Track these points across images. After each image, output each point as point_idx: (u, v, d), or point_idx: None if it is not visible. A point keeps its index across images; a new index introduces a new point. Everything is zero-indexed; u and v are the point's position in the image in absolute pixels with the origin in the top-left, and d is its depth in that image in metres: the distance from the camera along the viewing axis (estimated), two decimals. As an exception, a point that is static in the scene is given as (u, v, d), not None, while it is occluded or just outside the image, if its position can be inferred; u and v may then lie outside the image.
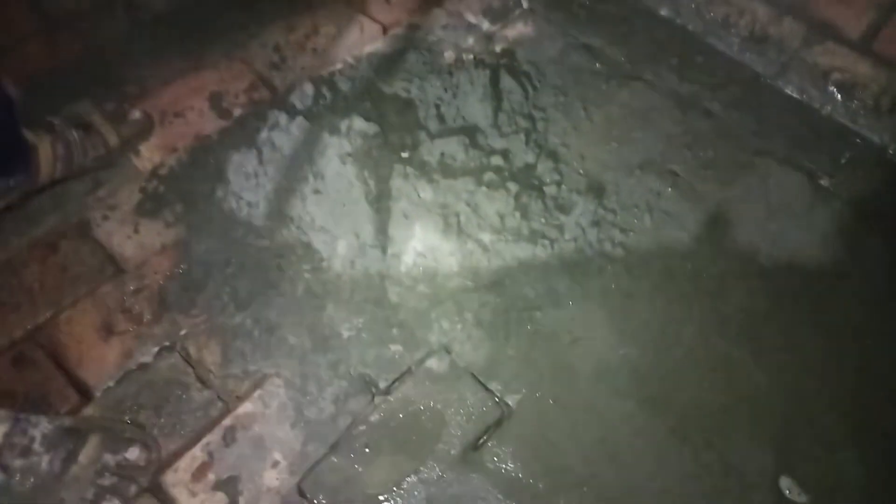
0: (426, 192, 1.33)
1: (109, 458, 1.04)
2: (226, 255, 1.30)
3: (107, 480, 1.03)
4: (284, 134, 1.39)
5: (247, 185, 1.35)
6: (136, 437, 1.08)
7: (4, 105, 1.15)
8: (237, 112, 1.49)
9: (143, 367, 1.19)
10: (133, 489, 1.05)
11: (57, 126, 1.31)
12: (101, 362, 1.18)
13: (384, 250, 1.29)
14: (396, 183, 1.34)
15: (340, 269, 1.27)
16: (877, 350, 1.29)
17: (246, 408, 1.16)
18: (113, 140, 1.37)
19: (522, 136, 1.47)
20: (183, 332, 1.23)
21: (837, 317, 1.34)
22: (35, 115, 1.30)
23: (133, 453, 1.06)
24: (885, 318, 1.33)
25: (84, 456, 1.02)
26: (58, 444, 1.00)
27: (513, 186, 1.37)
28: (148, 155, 1.43)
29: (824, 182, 1.53)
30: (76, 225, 1.33)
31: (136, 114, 1.43)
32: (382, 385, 1.20)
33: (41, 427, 1.00)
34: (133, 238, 1.32)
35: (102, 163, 1.38)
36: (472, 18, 1.72)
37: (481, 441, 1.17)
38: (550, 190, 1.42)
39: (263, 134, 1.41)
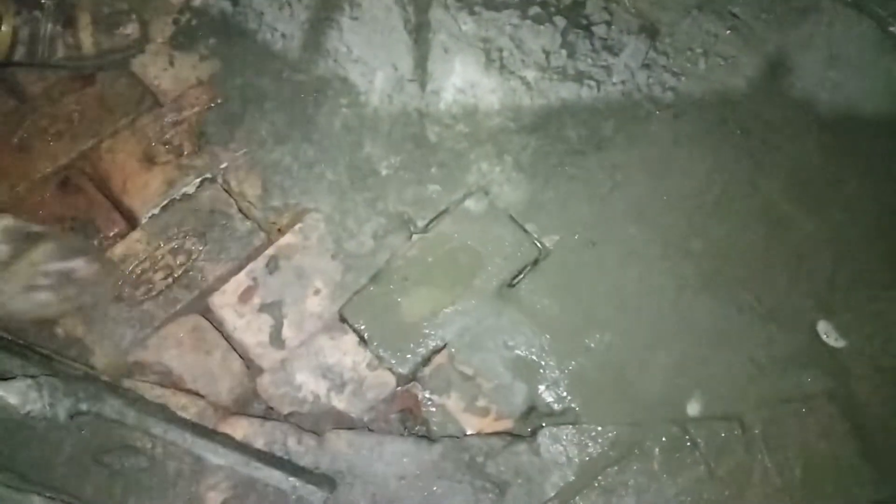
0: (467, 24, 1.26)
1: (55, 265, 1.07)
2: (262, 88, 1.27)
3: (45, 280, 1.06)
4: (319, -38, 1.32)
5: (280, 15, 1.30)
6: (84, 251, 1.11)
7: None
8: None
9: (185, 196, 1.21)
10: (72, 292, 1.08)
11: (39, 9, 1.19)
12: (144, 190, 1.20)
13: (423, 86, 1.25)
14: (436, 14, 1.27)
15: (378, 103, 1.24)
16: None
17: (287, 239, 1.19)
18: (87, 48, 1.24)
19: (572, -29, 1.37)
20: (223, 165, 1.23)
21: (890, 170, 1.28)
22: None
23: (78, 264, 1.09)
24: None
25: (35, 255, 1.05)
26: (10, 241, 1.03)
27: (560, 21, 1.29)
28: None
29: (894, 29, 1.42)
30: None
31: (129, 28, 1.28)
32: (420, 223, 1.20)
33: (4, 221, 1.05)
34: (168, 71, 1.30)
35: (71, 66, 1.26)
36: None
37: (517, 279, 1.18)
38: (599, 30, 1.34)
39: (297, -39, 1.34)
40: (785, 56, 1.37)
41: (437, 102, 1.25)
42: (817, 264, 1.21)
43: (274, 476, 0.96)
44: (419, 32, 1.25)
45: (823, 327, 1.16)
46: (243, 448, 0.99)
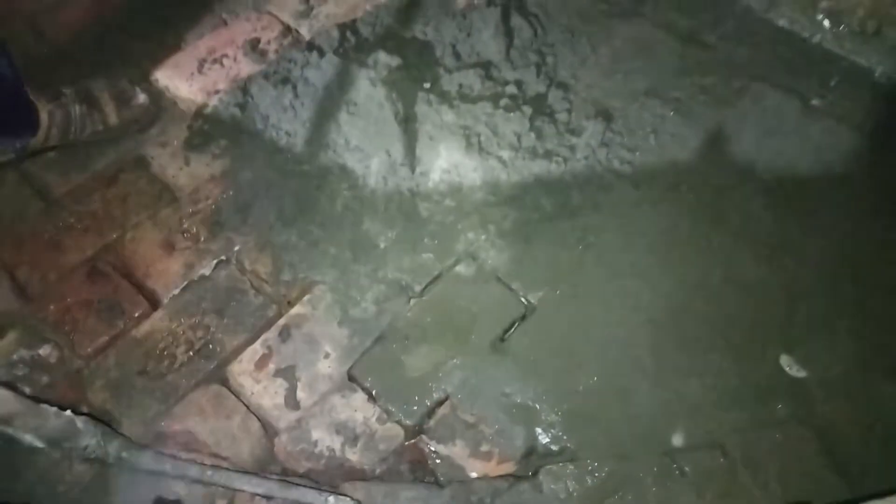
0: (448, 116, 1.46)
1: (24, 353, 1.19)
2: (270, 179, 1.43)
3: (20, 371, 1.18)
4: (316, 70, 1.52)
5: (284, 116, 1.48)
6: (51, 338, 1.21)
7: (7, 70, 1.23)
8: (271, 56, 1.62)
9: (203, 278, 1.33)
10: (45, 380, 1.18)
11: (64, 96, 1.38)
12: (165, 274, 1.32)
13: (413, 168, 1.42)
14: (421, 108, 1.46)
15: (374, 185, 1.41)
16: (866, 246, 1.41)
17: (297, 310, 1.30)
18: (113, 120, 1.45)
19: (534, 69, 1.59)
20: (237, 248, 1.36)
21: (829, 220, 1.46)
22: (55, 84, 1.41)
23: (46, 350, 1.20)
24: (872, 219, 1.45)
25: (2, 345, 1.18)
26: None
27: (527, 110, 1.50)
28: (192, 97, 1.56)
29: (816, 102, 1.64)
30: (132, 160, 1.47)
31: (141, 98, 1.48)
32: (417, 288, 1.33)
33: None
34: (184, 169, 1.46)
35: (101, 139, 1.45)
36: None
37: (508, 333, 1.30)
38: (562, 116, 1.54)
39: (297, 72, 1.54)
40: (725, 129, 1.58)
41: (426, 182, 1.42)
42: (774, 306, 1.35)
43: (309, 494, 1.02)
44: (407, 123, 1.44)
45: (786, 360, 1.29)
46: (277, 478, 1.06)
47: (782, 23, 1.79)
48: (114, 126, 1.45)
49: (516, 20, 1.67)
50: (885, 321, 1.31)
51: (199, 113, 1.53)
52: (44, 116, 1.34)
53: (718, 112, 1.61)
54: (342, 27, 1.66)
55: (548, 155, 1.47)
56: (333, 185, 1.41)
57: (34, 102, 1.32)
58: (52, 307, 1.26)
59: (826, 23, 1.73)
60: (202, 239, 1.37)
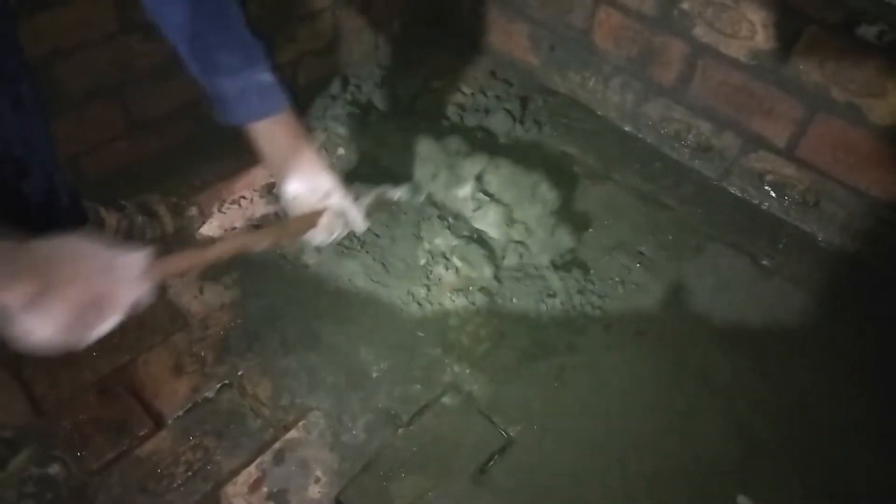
0: (451, 277, 1.64)
1: (34, 470, 1.27)
2: (277, 309, 1.58)
3: (29, 488, 1.25)
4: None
5: (297, 255, 1.66)
6: (60, 455, 1.30)
7: (75, 196, 1.43)
8: (284, 200, 1.83)
9: (206, 400, 1.43)
10: (50, 496, 1.25)
11: (127, 209, 1.61)
12: (172, 396, 1.42)
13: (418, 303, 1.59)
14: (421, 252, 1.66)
15: (373, 320, 1.56)
16: (815, 395, 1.56)
17: (292, 434, 1.40)
18: (170, 228, 1.67)
19: (516, 222, 1.81)
20: (240, 373, 1.48)
21: (782, 370, 1.62)
22: (113, 198, 1.61)
23: (54, 469, 1.28)
24: (819, 370, 1.61)
25: (13, 465, 1.26)
26: None
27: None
28: (210, 233, 1.73)
29: (766, 262, 1.86)
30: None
31: (192, 210, 1.74)
32: (405, 418, 1.44)
33: None
34: (198, 297, 1.60)
35: (156, 244, 1.63)
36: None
37: (488, 464, 1.40)
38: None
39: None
40: (684, 282, 1.78)
41: (419, 315, 1.57)
42: (732, 448, 1.46)
43: None
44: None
45: (742, 500, 1.39)
46: None
47: (734, 190, 2.05)
48: (170, 233, 1.67)
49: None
50: (830, 463, 1.43)
51: (216, 248, 1.70)
52: (112, 226, 1.54)
53: (678, 266, 1.81)
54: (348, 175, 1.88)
55: (530, 299, 1.64)
56: (336, 316, 1.56)
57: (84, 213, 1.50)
58: (64, 423, 1.35)
59: (772, 193, 1.99)
60: (209, 363, 1.48)
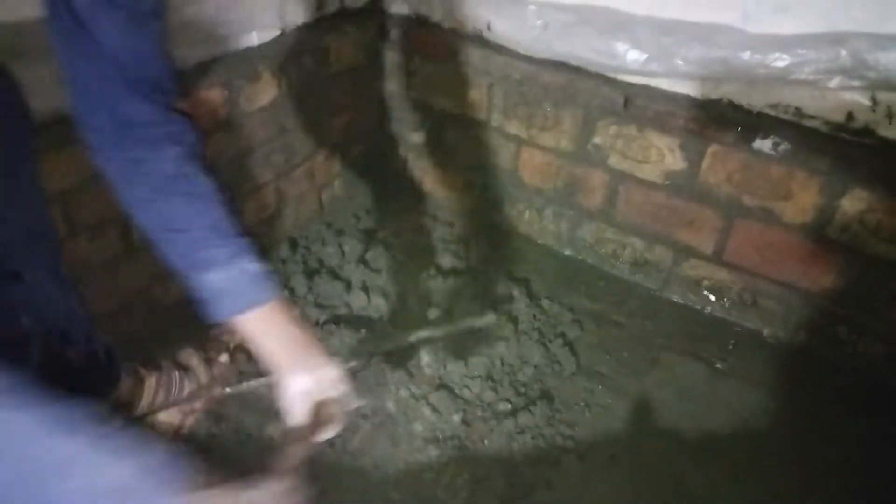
0: (428, 413, 1.65)
1: None
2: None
3: None
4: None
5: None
6: None
7: (109, 352, 1.46)
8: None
9: None
10: None
11: (164, 366, 1.66)
12: None
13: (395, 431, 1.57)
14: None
15: (357, 446, 1.53)
16: (786, 492, 1.58)
17: None
18: (204, 380, 1.73)
19: (476, 361, 1.84)
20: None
21: (752, 470, 1.63)
22: (150, 356, 1.67)
23: None
24: (787, 466, 1.64)
25: None
26: None
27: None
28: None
29: (720, 366, 1.92)
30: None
31: (224, 357, 1.81)
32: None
33: None
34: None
35: (193, 397, 1.70)
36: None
37: None
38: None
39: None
40: (647, 397, 1.81)
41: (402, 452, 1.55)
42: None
43: None
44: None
45: None
46: None
47: (676, 299, 2.15)
48: (205, 384, 1.70)
49: (456, 319, 1.96)
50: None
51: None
52: (151, 385, 1.59)
53: (639, 381, 1.85)
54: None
55: (501, 439, 1.64)
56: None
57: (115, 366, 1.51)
58: None
59: (711, 297, 2.09)
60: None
